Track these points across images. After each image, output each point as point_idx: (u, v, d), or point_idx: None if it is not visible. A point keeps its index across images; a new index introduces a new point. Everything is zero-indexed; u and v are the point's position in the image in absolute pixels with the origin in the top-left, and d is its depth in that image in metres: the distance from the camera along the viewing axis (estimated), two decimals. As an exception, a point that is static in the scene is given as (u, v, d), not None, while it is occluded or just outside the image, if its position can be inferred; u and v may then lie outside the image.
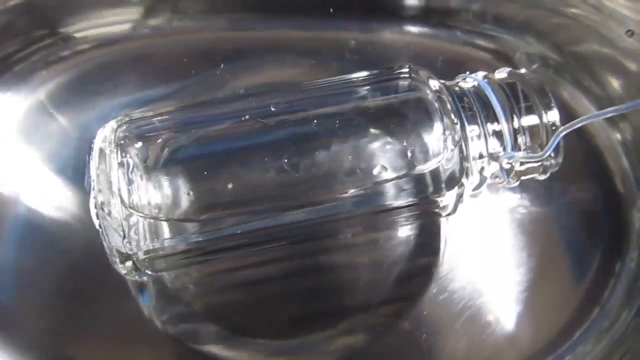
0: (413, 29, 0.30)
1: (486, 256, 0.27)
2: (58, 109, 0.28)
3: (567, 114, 0.26)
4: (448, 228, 0.27)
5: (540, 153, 0.22)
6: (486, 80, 0.24)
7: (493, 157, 0.23)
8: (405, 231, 0.26)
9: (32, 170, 0.27)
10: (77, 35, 0.29)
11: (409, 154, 0.23)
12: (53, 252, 0.25)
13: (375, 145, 0.23)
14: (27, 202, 0.26)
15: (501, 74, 0.25)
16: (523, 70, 0.25)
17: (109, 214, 0.21)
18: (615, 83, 0.28)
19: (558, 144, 0.22)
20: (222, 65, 0.29)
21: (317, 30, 0.30)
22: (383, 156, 0.23)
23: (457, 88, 0.24)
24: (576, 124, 0.20)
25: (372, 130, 0.23)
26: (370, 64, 0.27)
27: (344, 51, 0.30)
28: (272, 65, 0.29)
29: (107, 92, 0.28)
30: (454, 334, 0.25)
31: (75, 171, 0.26)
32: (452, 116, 0.22)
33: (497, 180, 0.24)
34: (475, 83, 0.24)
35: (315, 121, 0.23)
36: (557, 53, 0.30)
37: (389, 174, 0.22)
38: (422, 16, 0.30)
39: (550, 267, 0.27)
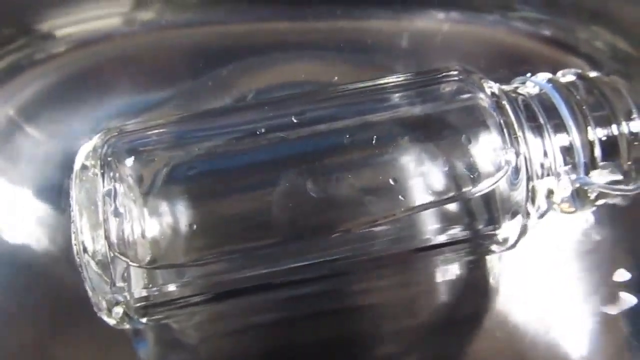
0: (449, 15, 0.27)
1: (548, 292, 0.23)
2: (34, 123, 0.25)
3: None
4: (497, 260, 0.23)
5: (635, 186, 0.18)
6: (552, 84, 0.21)
7: (563, 178, 0.20)
8: (449, 270, 0.23)
9: (6, 197, 0.24)
10: (56, 33, 0.26)
11: (460, 174, 0.19)
12: (31, 289, 0.23)
13: (421, 164, 0.20)
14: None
15: (567, 76, 0.21)
16: (594, 73, 0.21)
17: (92, 252, 0.18)
18: None
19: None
20: (228, 65, 0.26)
21: (337, 20, 0.26)
22: (431, 177, 0.19)
23: (514, 94, 0.21)
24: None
25: (418, 146, 0.20)
26: (403, 61, 0.25)
27: (370, 46, 0.26)
28: (286, 65, 0.26)
29: (92, 100, 0.25)
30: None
31: (60, 197, 0.24)
32: (515, 127, 0.19)
33: (565, 207, 0.20)
34: (537, 88, 0.21)
35: (347, 135, 0.19)
36: (631, 45, 0.26)
37: (437, 198, 0.19)
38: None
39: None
